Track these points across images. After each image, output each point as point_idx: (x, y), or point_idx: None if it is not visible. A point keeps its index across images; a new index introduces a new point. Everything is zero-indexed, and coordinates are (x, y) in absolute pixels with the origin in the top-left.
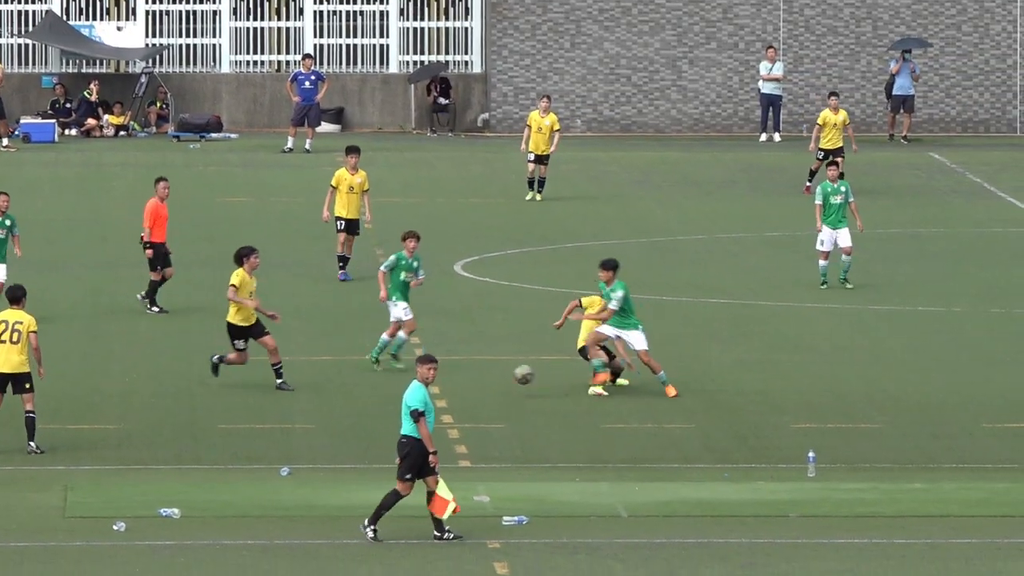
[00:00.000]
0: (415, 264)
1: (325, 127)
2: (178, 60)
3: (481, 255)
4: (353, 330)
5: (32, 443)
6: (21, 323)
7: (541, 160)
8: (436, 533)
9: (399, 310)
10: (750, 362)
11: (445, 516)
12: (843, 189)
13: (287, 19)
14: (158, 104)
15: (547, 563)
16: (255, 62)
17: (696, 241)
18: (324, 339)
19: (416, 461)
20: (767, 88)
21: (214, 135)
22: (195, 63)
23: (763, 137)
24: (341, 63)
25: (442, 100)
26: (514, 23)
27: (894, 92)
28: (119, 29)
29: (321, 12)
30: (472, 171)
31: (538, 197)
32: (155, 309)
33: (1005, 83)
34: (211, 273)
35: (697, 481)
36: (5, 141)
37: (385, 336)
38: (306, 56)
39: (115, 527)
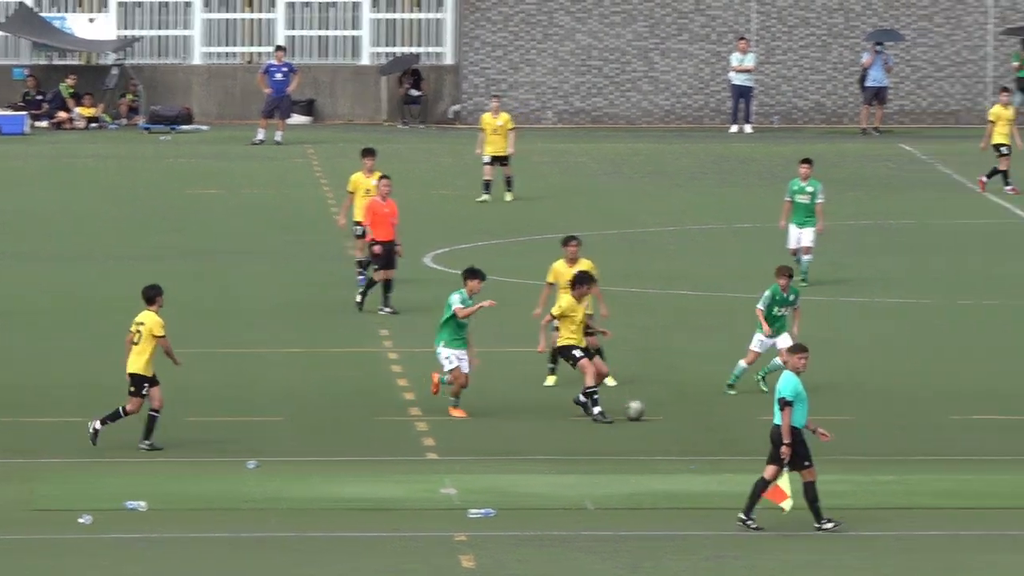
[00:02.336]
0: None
1: (296, 119)
2: (150, 52)
3: (451, 247)
4: (322, 323)
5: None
6: (143, 324)
7: (501, 161)
8: (741, 516)
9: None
10: (719, 354)
11: (783, 505)
12: (810, 189)
13: (259, 11)
14: (129, 96)
15: (513, 556)
16: (227, 54)
17: (666, 232)
18: (293, 331)
19: (799, 448)
20: (738, 79)
21: (185, 127)
22: (167, 55)
23: (734, 128)
24: (313, 55)
25: (414, 92)
26: (486, 14)
27: (867, 84)
28: (91, 21)
29: (293, 4)
30: (443, 163)
31: (508, 197)
32: (387, 309)
33: (976, 74)
34: (180, 265)
35: (664, 473)
36: None
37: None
38: (278, 48)
39: (81, 520)
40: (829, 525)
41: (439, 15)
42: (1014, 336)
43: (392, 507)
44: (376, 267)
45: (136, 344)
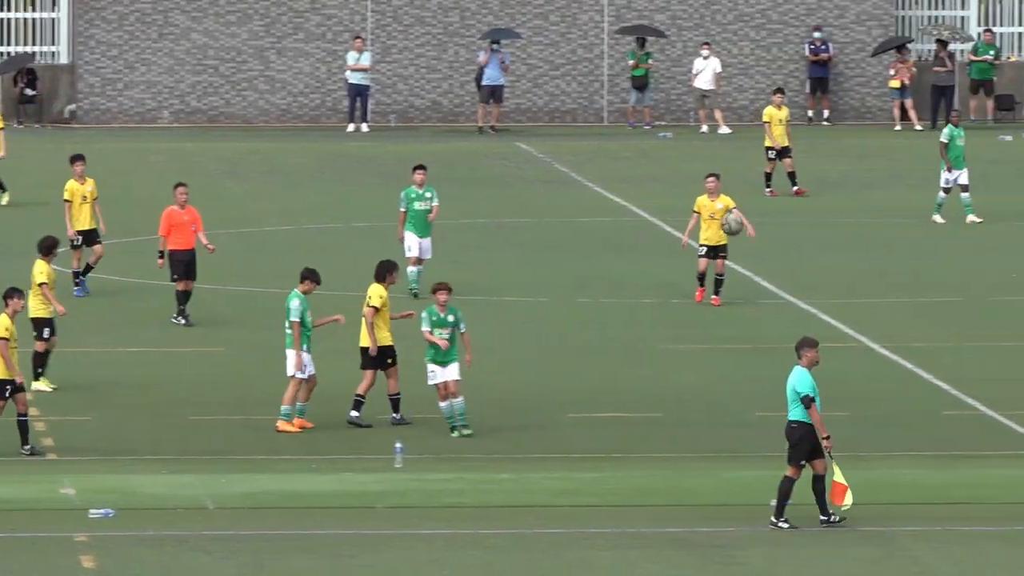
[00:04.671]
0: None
1: None
2: None
3: (65, 248)
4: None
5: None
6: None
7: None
8: (823, 517)
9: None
10: (340, 351)
11: (845, 504)
12: (427, 195)
13: None
14: None
15: (134, 556)
16: None
17: (284, 232)
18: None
19: (807, 447)
20: (355, 78)
21: None
22: None
23: (351, 127)
24: None
25: (29, 91)
26: (101, 13)
27: (484, 82)
28: None
29: None
30: (60, 164)
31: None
32: (182, 320)
33: (592, 73)
34: None
35: (284, 472)
36: None
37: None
38: None
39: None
40: (785, 526)
41: (53, 14)
42: (630, 334)
43: (9, 507)
44: (175, 277)
45: None
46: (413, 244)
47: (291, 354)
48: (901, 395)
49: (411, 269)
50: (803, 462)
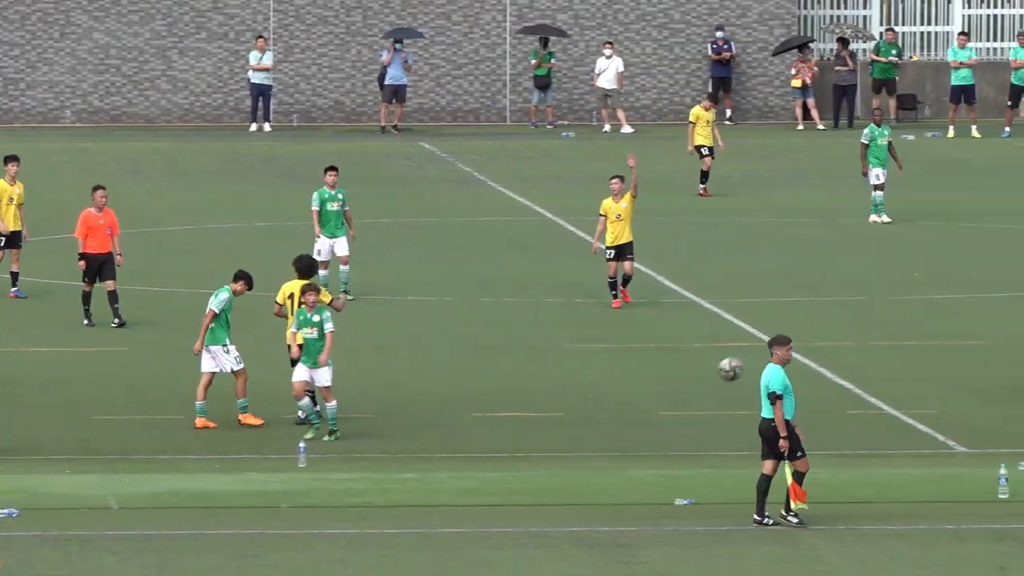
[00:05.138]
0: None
1: None
2: None
3: None
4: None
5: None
6: None
7: None
8: (756, 517)
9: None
10: (245, 353)
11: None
12: (340, 196)
13: None
14: None
15: (37, 556)
16: None
17: (186, 231)
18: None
19: (792, 440)
20: (257, 78)
21: None
22: None
23: (253, 127)
24: None
25: None
26: (3, 13)
27: (386, 82)
28: None
29: None
30: None
31: None
32: (115, 322)
33: (495, 72)
34: None
35: (189, 472)
36: None
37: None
38: None
39: None
40: (794, 520)
41: None
42: (534, 333)
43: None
44: (86, 279)
45: None
46: (324, 247)
47: (216, 350)
48: (805, 395)
49: (322, 272)
50: (800, 453)
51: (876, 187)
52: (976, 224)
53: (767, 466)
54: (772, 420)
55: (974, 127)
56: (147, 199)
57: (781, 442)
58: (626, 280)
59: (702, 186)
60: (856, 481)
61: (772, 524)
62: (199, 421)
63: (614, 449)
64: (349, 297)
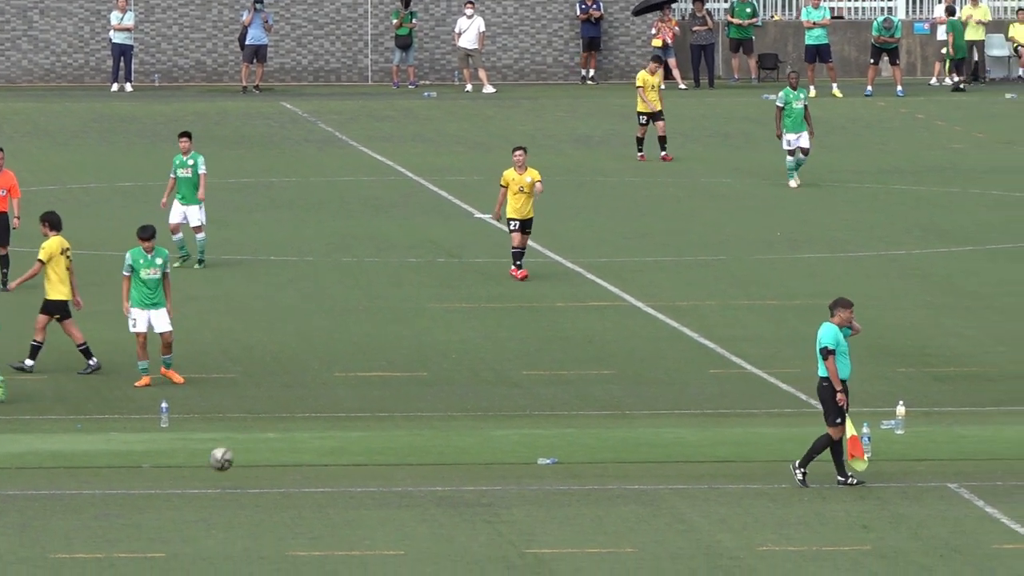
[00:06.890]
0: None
1: None
2: None
3: None
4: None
5: None
6: None
7: None
8: (840, 478)
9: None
10: (105, 313)
11: (865, 458)
12: (191, 163)
13: None
14: None
15: None
16: None
17: (48, 192)
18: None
19: (834, 404)
20: (118, 38)
21: None
22: None
23: (115, 87)
24: None
25: None
26: None
27: (247, 42)
28: None
29: None
30: None
31: None
32: None
33: (356, 32)
34: None
35: (50, 432)
36: None
37: None
38: None
39: None
40: (800, 476)
41: None
42: (396, 293)
43: None
44: None
45: None
46: (176, 212)
47: (126, 308)
48: (667, 354)
49: (176, 236)
50: (839, 420)
51: (790, 152)
52: (839, 184)
53: (833, 432)
54: (826, 379)
55: (835, 85)
56: (9, 160)
57: (838, 396)
58: (520, 254)
59: (663, 153)
60: (717, 440)
61: (857, 483)
62: (162, 374)
63: (477, 409)
64: (201, 267)
